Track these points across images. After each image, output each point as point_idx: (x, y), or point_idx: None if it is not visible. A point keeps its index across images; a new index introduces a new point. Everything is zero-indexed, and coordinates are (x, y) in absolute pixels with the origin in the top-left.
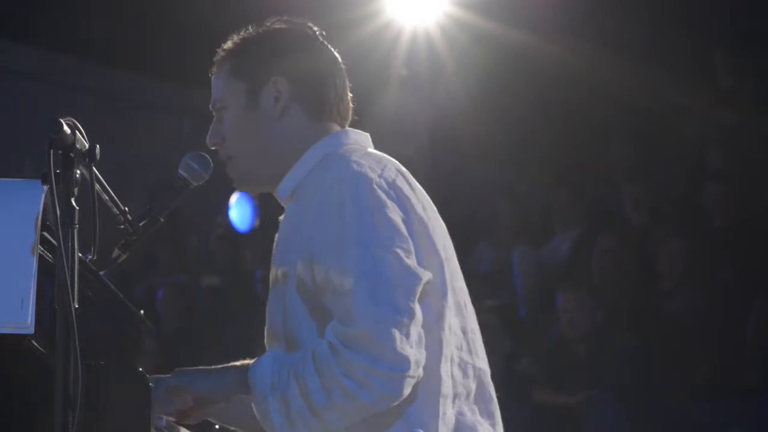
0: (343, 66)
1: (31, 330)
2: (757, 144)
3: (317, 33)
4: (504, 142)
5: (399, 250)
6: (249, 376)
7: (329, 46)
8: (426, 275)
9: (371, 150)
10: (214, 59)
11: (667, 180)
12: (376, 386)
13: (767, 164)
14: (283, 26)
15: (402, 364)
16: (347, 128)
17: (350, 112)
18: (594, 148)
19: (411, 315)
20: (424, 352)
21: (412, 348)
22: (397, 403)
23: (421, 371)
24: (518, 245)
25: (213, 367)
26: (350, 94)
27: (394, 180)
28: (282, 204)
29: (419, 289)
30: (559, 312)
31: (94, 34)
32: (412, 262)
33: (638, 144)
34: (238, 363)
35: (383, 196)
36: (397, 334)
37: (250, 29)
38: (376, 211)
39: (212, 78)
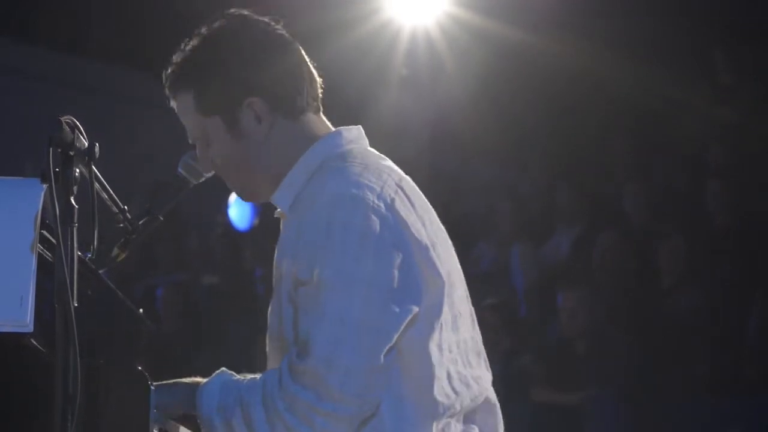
0: (298, 47)
1: (31, 328)
2: (758, 142)
3: (262, 22)
4: (504, 141)
5: (379, 288)
6: (196, 396)
7: (278, 30)
8: (412, 310)
9: (371, 157)
10: (167, 78)
11: (667, 178)
12: (317, 425)
13: (767, 161)
14: (232, 28)
15: (346, 406)
16: (340, 128)
17: (319, 89)
18: (594, 146)
19: (370, 359)
20: (375, 399)
21: (360, 396)
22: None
23: (366, 413)
24: (518, 243)
25: (175, 380)
26: (315, 71)
27: (392, 200)
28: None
29: (395, 331)
30: (559, 310)
31: (94, 34)
32: (392, 301)
33: (638, 142)
34: (187, 379)
35: (377, 225)
36: (348, 377)
37: (201, 34)
38: (365, 242)
39: (173, 105)
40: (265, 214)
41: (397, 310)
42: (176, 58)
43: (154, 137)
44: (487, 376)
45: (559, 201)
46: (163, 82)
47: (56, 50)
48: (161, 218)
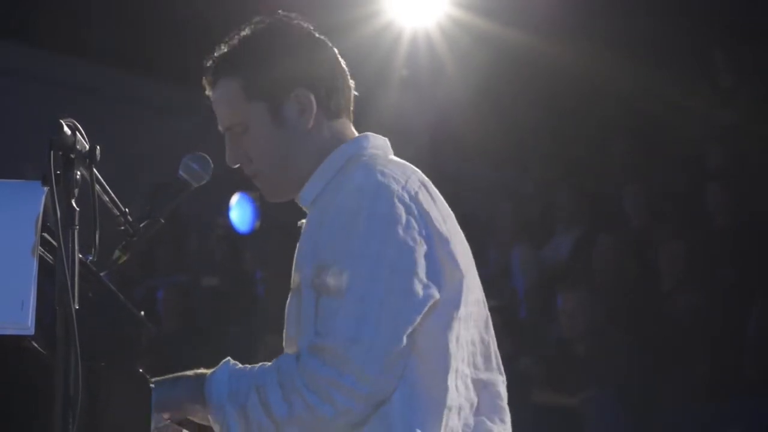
0: (339, 55)
1: (32, 331)
2: (758, 143)
3: (308, 26)
4: (504, 143)
5: (403, 271)
6: (204, 387)
7: (326, 39)
8: (433, 296)
9: (393, 157)
10: (211, 69)
11: (667, 180)
12: (338, 401)
13: (767, 163)
14: (276, 26)
15: (366, 385)
16: (367, 132)
17: (352, 98)
18: (594, 147)
19: (390, 341)
20: (393, 382)
21: (381, 374)
22: (357, 420)
23: (383, 395)
24: (519, 245)
25: (171, 376)
26: (352, 82)
27: (416, 193)
28: (304, 209)
29: (417, 315)
30: (560, 312)
31: (95, 35)
32: (417, 284)
33: (638, 144)
34: (190, 372)
35: (402, 211)
36: (369, 356)
37: (242, 34)
38: (390, 227)
39: (210, 94)
40: (266, 216)
41: (420, 294)
42: (223, 47)
43: (155, 139)
44: (498, 380)
45: (559, 202)
46: (206, 71)
47: (56, 52)
48: (162, 221)
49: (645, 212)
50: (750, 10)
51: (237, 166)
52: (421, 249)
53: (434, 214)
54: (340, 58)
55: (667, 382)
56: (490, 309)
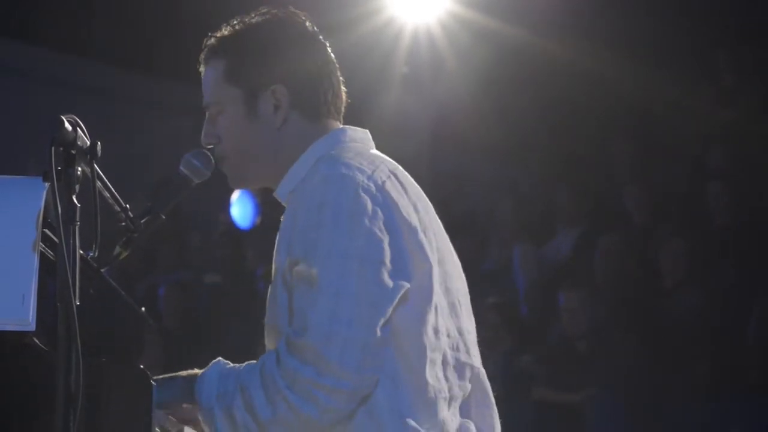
0: (335, 60)
1: (33, 327)
2: (759, 143)
3: (311, 26)
4: (505, 140)
5: (372, 262)
6: (195, 388)
7: (322, 38)
8: (403, 286)
9: (369, 150)
10: (205, 47)
11: (668, 179)
12: (321, 400)
13: None
14: (278, 20)
15: (346, 380)
16: (344, 126)
17: (344, 104)
18: (595, 146)
19: (367, 333)
20: (373, 375)
21: (360, 369)
22: (342, 416)
23: (365, 390)
24: (520, 243)
25: (172, 374)
26: (344, 88)
27: (383, 182)
28: (284, 205)
29: (389, 305)
30: (561, 310)
31: (95, 34)
32: (385, 275)
33: (640, 143)
34: (184, 373)
35: (367, 202)
36: (346, 350)
37: (246, 20)
38: (355, 219)
39: (202, 71)
40: (266, 213)
41: (390, 284)
42: (224, 29)
43: (156, 136)
44: (483, 369)
45: (560, 201)
46: (203, 49)
47: (57, 51)
48: (163, 217)
49: (646, 211)
50: (751, 10)
51: (210, 146)
52: (387, 238)
53: (403, 203)
54: (334, 62)
55: (667, 380)
56: (491, 306)
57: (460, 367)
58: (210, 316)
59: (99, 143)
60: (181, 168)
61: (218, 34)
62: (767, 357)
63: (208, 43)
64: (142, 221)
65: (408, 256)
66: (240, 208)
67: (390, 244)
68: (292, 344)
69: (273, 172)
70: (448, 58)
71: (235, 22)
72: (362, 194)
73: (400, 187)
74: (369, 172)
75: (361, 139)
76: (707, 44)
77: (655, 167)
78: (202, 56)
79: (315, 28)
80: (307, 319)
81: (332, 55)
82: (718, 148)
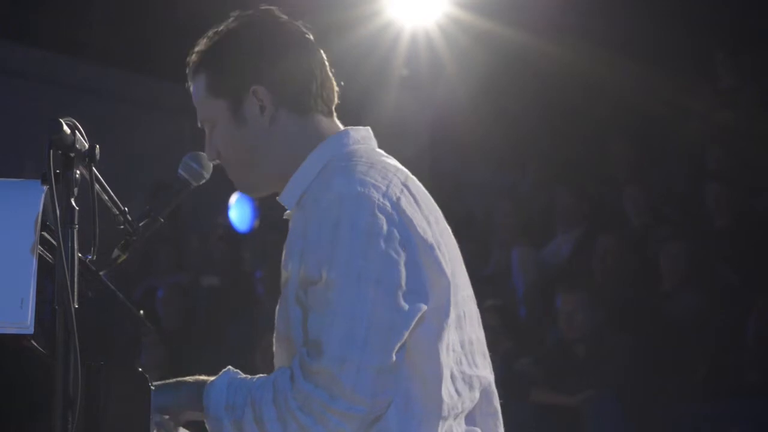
0: (318, 49)
1: (31, 330)
2: (757, 144)
3: (286, 20)
4: (504, 143)
5: (388, 285)
6: (204, 396)
7: (302, 29)
8: (420, 309)
9: (376, 156)
10: (187, 63)
11: (667, 181)
12: (331, 424)
13: (767, 164)
14: (249, 22)
15: (360, 406)
16: (348, 128)
17: (335, 94)
18: (594, 148)
19: (381, 358)
20: (386, 399)
21: (373, 394)
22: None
23: (378, 413)
24: (519, 246)
25: (174, 380)
26: (334, 79)
27: (398, 199)
28: (288, 210)
29: (405, 329)
30: (559, 312)
31: (94, 35)
32: (400, 298)
33: (638, 144)
34: (190, 378)
35: (383, 222)
36: (360, 376)
37: (220, 29)
38: (372, 240)
39: (190, 88)
40: (265, 215)
41: (407, 307)
42: (201, 42)
43: (155, 139)
44: (490, 378)
45: (559, 203)
46: (186, 63)
47: (56, 52)
48: (162, 220)
49: (645, 213)
50: (750, 12)
51: (216, 161)
52: (404, 259)
53: (417, 219)
54: (321, 57)
55: (666, 382)
56: (490, 308)
57: (467, 379)
58: (208, 318)
59: (97, 146)
60: (180, 171)
61: (196, 49)
62: (766, 357)
63: (190, 59)
64: (140, 224)
65: (425, 275)
66: (238, 211)
67: (406, 265)
68: (306, 367)
69: (276, 173)
70: (447, 60)
71: (210, 32)
72: (378, 214)
73: (413, 202)
74: (384, 188)
75: (363, 138)
76: (705, 46)
77: (653, 169)
78: (187, 74)
79: (298, 25)
80: (321, 342)
81: (315, 46)
82: (716, 150)
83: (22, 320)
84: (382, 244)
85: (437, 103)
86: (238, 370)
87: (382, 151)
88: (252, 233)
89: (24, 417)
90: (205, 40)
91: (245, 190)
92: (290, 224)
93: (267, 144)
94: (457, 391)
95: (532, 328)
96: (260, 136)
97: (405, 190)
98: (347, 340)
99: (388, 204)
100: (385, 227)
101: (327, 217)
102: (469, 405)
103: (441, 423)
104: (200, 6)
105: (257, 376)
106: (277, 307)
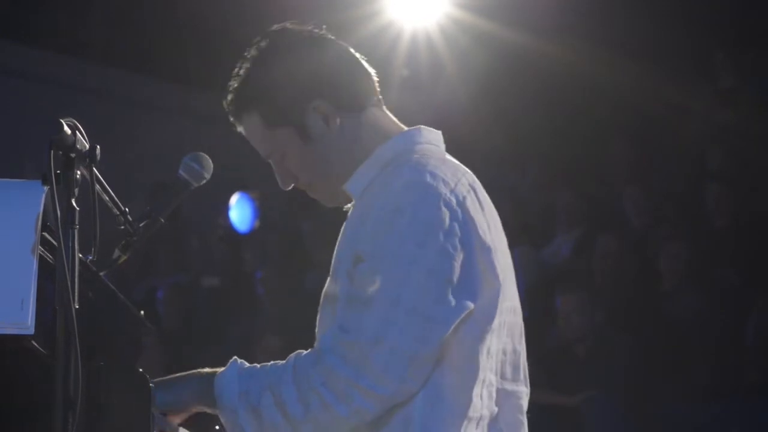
0: (346, 45)
1: (32, 330)
2: (758, 144)
3: (304, 28)
4: (504, 143)
5: (439, 277)
6: (214, 387)
7: (320, 32)
8: (467, 306)
9: (447, 156)
10: (228, 104)
11: (667, 181)
12: (354, 401)
13: (767, 164)
14: (274, 43)
15: (385, 386)
16: (420, 126)
17: (376, 83)
18: (594, 149)
19: (416, 345)
20: (414, 387)
21: (403, 378)
22: (371, 419)
23: (400, 399)
24: (518, 246)
25: (174, 376)
26: (367, 65)
27: (464, 198)
28: (352, 199)
29: (448, 323)
30: (559, 313)
31: (95, 35)
32: (449, 292)
33: (638, 145)
34: (194, 372)
35: (446, 216)
36: (392, 359)
37: (247, 62)
38: (431, 231)
39: (240, 130)
40: (265, 216)
41: (454, 302)
42: (233, 83)
43: (155, 139)
44: (522, 392)
45: (559, 204)
46: (226, 109)
47: (57, 52)
48: (162, 220)
49: (645, 213)
50: (750, 12)
51: (292, 186)
52: (460, 256)
53: (479, 221)
54: (348, 49)
55: (667, 382)
56: None
57: (490, 388)
58: (208, 319)
59: (98, 147)
60: (180, 171)
61: (232, 90)
62: (766, 358)
63: (228, 102)
64: (141, 225)
65: (479, 275)
66: (239, 212)
67: (462, 263)
68: (338, 340)
69: (348, 178)
70: (447, 61)
71: (237, 68)
72: (443, 207)
73: (477, 204)
74: (452, 185)
75: (434, 140)
76: (706, 46)
77: (654, 169)
78: (230, 117)
79: (310, 28)
80: (359, 320)
81: (340, 43)
82: (716, 150)
83: (23, 321)
84: (441, 237)
85: (437, 104)
86: (244, 361)
87: (454, 160)
88: (252, 234)
89: (24, 417)
90: (237, 78)
91: (335, 202)
92: (349, 213)
93: (339, 152)
94: (482, 396)
95: (532, 328)
96: (332, 147)
97: (471, 192)
98: (386, 321)
99: (454, 200)
100: (447, 221)
101: (392, 201)
102: (486, 413)
103: (465, 423)
104: (200, 6)
105: (269, 363)
106: (319, 312)
